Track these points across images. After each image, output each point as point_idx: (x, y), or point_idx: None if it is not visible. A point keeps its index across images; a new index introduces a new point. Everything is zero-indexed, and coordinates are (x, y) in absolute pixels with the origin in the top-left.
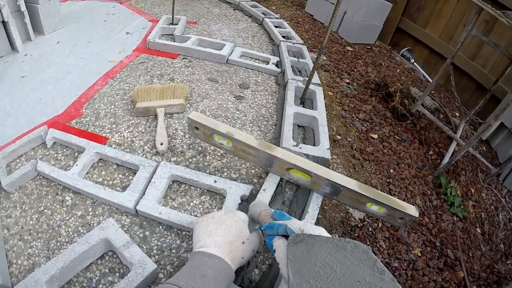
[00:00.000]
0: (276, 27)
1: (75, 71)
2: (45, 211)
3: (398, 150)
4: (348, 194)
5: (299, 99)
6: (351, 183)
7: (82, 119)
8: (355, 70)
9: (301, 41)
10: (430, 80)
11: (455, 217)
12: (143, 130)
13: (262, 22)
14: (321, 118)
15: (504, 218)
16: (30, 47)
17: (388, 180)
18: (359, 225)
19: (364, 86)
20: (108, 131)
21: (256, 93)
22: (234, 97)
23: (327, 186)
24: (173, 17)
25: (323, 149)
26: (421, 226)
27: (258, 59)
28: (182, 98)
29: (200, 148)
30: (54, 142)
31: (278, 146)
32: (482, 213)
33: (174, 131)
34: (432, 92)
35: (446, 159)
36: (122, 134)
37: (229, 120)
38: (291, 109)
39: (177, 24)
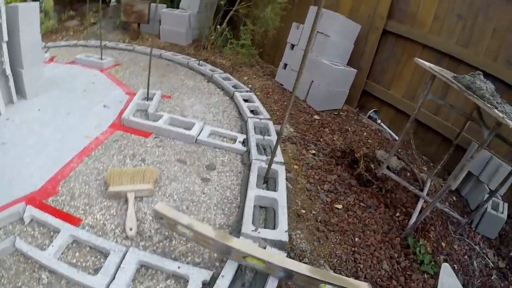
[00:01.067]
0: (245, 100)
1: (53, 145)
2: (23, 287)
3: (363, 217)
4: (301, 278)
5: (262, 178)
6: (302, 267)
7: (58, 197)
8: (321, 139)
9: (268, 116)
10: (397, 138)
11: (425, 274)
12: (115, 213)
13: (233, 96)
14: (281, 200)
15: (479, 264)
16: (12, 111)
17: (353, 249)
18: None
19: (330, 155)
20: (82, 212)
21: (222, 174)
22: (201, 180)
23: (280, 271)
24: (148, 92)
25: (281, 232)
26: None
27: (226, 137)
28: (151, 183)
29: (166, 233)
30: (31, 219)
31: (240, 230)
32: (455, 265)
33: (143, 215)
34: (400, 150)
35: (413, 219)
36: (95, 216)
37: (195, 204)
38: (253, 192)
39: (152, 99)
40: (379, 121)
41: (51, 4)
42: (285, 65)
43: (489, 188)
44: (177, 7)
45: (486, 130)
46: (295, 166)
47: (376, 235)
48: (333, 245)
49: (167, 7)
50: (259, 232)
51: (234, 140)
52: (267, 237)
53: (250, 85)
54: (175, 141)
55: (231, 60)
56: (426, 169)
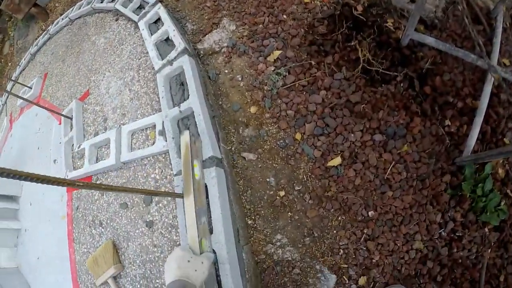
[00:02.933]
0: (155, 22)
1: (54, 242)
2: None
3: (381, 165)
4: None
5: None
6: None
7: None
8: (283, 14)
9: (183, 46)
10: None
11: (486, 228)
12: None
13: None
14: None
15: None
16: (23, 217)
17: (364, 231)
18: None
19: (305, 43)
20: None
21: (160, 205)
22: (146, 225)
23: None
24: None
25: None
26: (422, 276)
27: (148, 128)
28: (112, 260)
29: None
30: None
31: None
32: None
33: None
34: None
35: (475, 131)
36: None
37: (153, 264)
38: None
39: (73, 127)
40: None
41: None
42: None
43: None
44: None
45: None
46: (252, 109)
47: (405, 193)
48: (334, 232)
49: None
50: None
51: (154, 129)
52: None
53: None
54: (109, 174)
55: None
56: None
